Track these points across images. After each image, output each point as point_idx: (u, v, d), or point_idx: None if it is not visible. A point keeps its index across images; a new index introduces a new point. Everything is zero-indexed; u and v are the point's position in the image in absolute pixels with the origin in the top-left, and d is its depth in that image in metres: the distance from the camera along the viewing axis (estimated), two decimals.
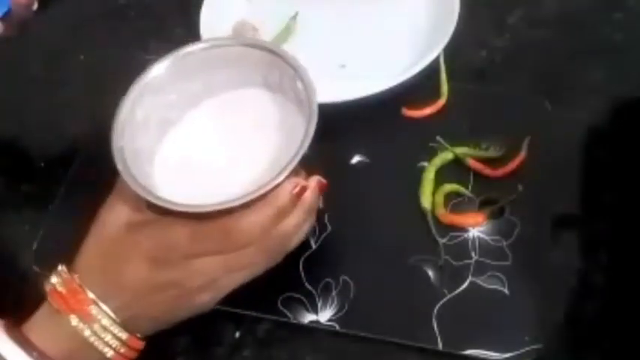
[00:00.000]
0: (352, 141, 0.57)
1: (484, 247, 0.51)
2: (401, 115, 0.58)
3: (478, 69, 0.62)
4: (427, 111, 0.58)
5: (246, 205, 0.41)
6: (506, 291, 0.49)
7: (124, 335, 0.42)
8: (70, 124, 0.64)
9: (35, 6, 0.52)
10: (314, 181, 0.44)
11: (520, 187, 0.51)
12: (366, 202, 0.54)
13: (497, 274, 0.49)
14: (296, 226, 0.44)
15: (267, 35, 0.66)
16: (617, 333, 0.47)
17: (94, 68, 0.68)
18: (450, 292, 0.49)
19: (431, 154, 0.55)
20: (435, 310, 0.48)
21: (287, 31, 0.66)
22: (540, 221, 0.51)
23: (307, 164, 0.44)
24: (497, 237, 0.51)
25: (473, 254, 0.50)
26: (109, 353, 0.41)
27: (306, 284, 0.51)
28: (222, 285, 0.43)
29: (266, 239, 0.42)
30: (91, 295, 0.41)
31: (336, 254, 0.52)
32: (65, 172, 0.60)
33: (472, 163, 0.54)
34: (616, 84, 0.59)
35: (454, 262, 0.50)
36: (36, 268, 0.54)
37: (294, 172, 0.43)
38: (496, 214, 0.52)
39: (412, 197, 0.53)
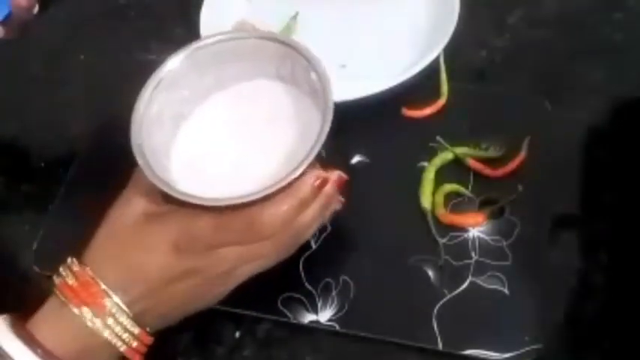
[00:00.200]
0: (352, 141, 0.57)
1: (484, 247, 0.51)
2: (401, 115, 0.58)
3: (478, 69, 0.62)
4: (427, 111, 0.58)
5: (266, 198, 0.42)
6: (506, 291, 0.49)
7: (136, 329, 0.41)
8: (70, 124, 0.64)
9: (36, 9, 0.52)
10: (335, 175, 0.45)
11: (520, 187, 0.51)
12: (366, 202, 0.54)
13: (497, 274, 0.49)
14: (313, 219, 0.44)
15: None
16: (617, 333, 0.47)
17: (94, 68, 0.68)
18: (450, 292, 0.49)
19: (431, 154, 0.55)
20: (435, 310, 0.48)
21: (287, 31, 0.66)
22: (540, 221, 0.51)
23: (322, 160, 0.44)
24: (497, 237, 0.51)
25: (473, 254, 0.50)
26: (122, 347, 0.41)
27: (306, 284, 0.51)
28: (235, 276, 0.44)
29: (286, 231, 0.43)
30: (104, 287, 0.41)
31: (336, 254, 0.52)
32: (65, 172, 0.60)
33: (472, 163, 0.54)
34: (616, 84, 0.59)
35: (454, 262, 0.50)
36: (36, 268, 0.54)
37: (312, 166, 0.43)
38: (496, 214, 0.52)
39: (412, 197, 0.53)
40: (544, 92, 0.58)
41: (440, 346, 0.47)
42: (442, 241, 0.51)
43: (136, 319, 0.42)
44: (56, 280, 0.42)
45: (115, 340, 0.41)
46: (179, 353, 0.50)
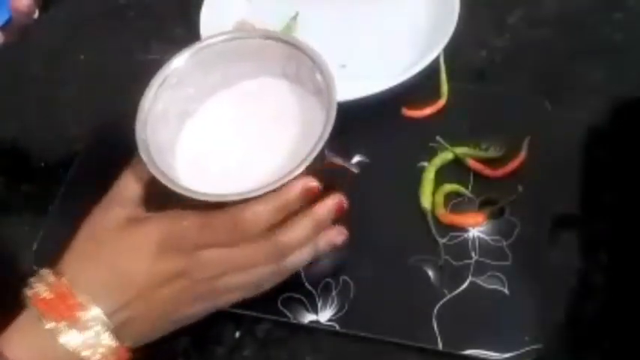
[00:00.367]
0: (352, 141, 0.57)
1: (484, 247, 0.51)
2: (401, 115, 0.58)
3: (478, 69, 0.62)
4: (427, 111, 0.58)
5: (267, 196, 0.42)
6: (506, 291, 0.49)
7: (114, 343, 0.40)
8: (70, 124, 0.64)
9: (36, 14, 0.52)
10: (332, 199, 0.44)
11: (520, 188, 0.51)
12: (366, 202, 0.54)
13: (497, 274, 0.49)
14: (299, 239, 0.43)
15: None
16: (617, 333, 0.47)
17: (94, 68, 0.68)
18: (450, 292, 0.49)
19: (431, 154, 0.55)
20: (435, 310, 0.48)
21: (287, 31, 0.66)
22: (540, 221, 0.51)
23: (325, 159, 0.45)
24: (497, 237, 0.51)
25: (473, 254, 0.50)
26: None
27: (306, 284, 0.51)
28: (219, 288, 0.43)
29: (269, 241, 0.42)
30: (82, 299, 0.39)
31: (336, 254, 0.52)
32: (65, 172, 0.60)
33: (472, 163, 0.54)
34: (616, 84, 0.59)
35: (454, 262, 0.50)
36: (36, 268, 0.53)
37: (313, 165, 0.43)
38: (496, 214, 0.52)
39: (412, 197, 0.53)
40: (544, 92, 0.58)
41: (440, 346, 0.47)
42: (442, 241, 0.51)
43: (118, 332, 0.40)
44: (28, 292, 0.41)
45: (91, 356, 0.39)
46: (179, 353, 0.50)
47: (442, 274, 0.50)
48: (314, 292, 0.50)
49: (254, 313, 0.50)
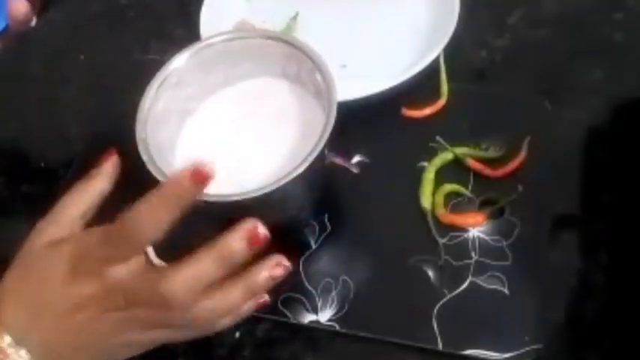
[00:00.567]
0: (352, 141, 0.57)
1: (484, 247, 0.51)
2: (401, 115, 0.58)
3: (478, 69, 0.62)
4: (427, 111, 0.58)
5: (267, 197, 0.41)
6: (506, 291, 0.49)
7: None
8: (70, 124, 0.64)
9: (34, 22, 0.52)
10: (271, 263, 0.40)
11: (520, 187, 0.51)
12: (366, 202, 0.54)
13: (497, 274, 0.49)
14: (223, 308, 0.40)
15: None
16: (617, 333, 0.47)
17: (94, 68, 0.69)
18: (450, 292, 0.49)
19: (431, 154, 0.55)
20: (435, 310, 0.48)
21: (287, 31, 0.66)
22: (540, 221, 0.51)
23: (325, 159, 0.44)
24: (497, 237, 0.51)
25: (473, 254, 0.50)
26: None
27: (306, 284, 0.51)
28: (130, 321, 0.40)
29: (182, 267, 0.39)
30: (7, 341, 0.38)
31: (336, 254, 0.52)
32: (65, 172, 0.60)
33: (472, 163, 0.54)
34: (616, 84, 0.59)
35: (454, 262, 0.50)
36: None
37: (314, 165, 0.43)
38: (496, 214, 0.52)
39: (412, 197, 0.53)
40: (544, 92, 0.58)
41: (440, 346, 0.47)
42: (442, 241, 0.51)
43: None
44: None
45: None
46: (179, 353, 0.50)
47: (442, 274, 0.50)
48: (314, 292, 0.50)
49: (254, 313, 0.50)
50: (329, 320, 0.49)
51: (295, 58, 0.48)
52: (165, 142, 0.48)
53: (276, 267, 0.40)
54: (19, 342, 0.39)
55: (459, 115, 0.58)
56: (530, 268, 0.49)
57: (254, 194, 0.41)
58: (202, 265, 0.39)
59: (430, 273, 0.50)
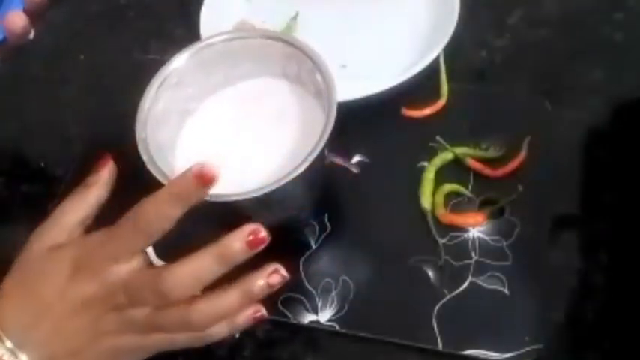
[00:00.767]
0: (352, 141, 0.57)
1: (484, 247, 0.51)
2: (401, 115, 0.58)
3: (478, 69, 0.62)
4: (427, 111, 0.58)
5: (266, 197, 0.41)
6: (506, 291, 0.49)
7: None
8: (70, 124, 0.64)
9: (32, 35, 0.51)
10: (269, 269, 0.40)
11: (520, 187, 0.51)
12: (366, 202, 0.54)
13: (497, 274, 0.49)
14: (219, 312, 0.40)
15: None
16: (617, 333, 0.47)
17: (94, 68, 0.69)
18: (450, 292, 0.49)
19: (431, 154, 0.55)
20: (435, 310, 0.48)
21: (287, 31, 0.66)
22: (540, 221, 0.51)
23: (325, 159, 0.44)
24: (497, 237, 0.51)
25: (473, 254, 0.50)
26: None
27: (306, 284, 0.51)
28: (128, 323, 0.40)
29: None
30: (8, 345, 0.39)
31: (336, 254, 0.52)
32: (65, 172, 0.60)
33: (472, 163, 0.54)
34: (616, 84, 0.59)
35: (454, 262, 0.50)
36: None
37: (314, 164, 0.43)
38: (496, 214, 0.52)
39: (412, 197, 0.53)
40: (544, 92, 0.58)
41: (440, 346, 0.47)
42: (442, 241, 0.51)
43: None
44: None
45: None
46: (179, 353, 0.50)
47: (442, 274, 0.50)
48: (314, 292, 0.50)
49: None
50: (329, 320, 0.49)
51: (295, 58, 0.48)
52: (165, 142, 0.48)
53: (273, 274, 0.40)
54: (19, 346, 0.39)
55: (459, 115, 0.58)
56: (530, 268, 0.49)
57: (254, 194, 0.41)
58: (202, 263, 0.39)
59: (430, 273, 0.50)
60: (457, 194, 0.54)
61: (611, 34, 0.62)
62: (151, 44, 0.69)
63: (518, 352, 0.46)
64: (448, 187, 0.53)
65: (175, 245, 0.54)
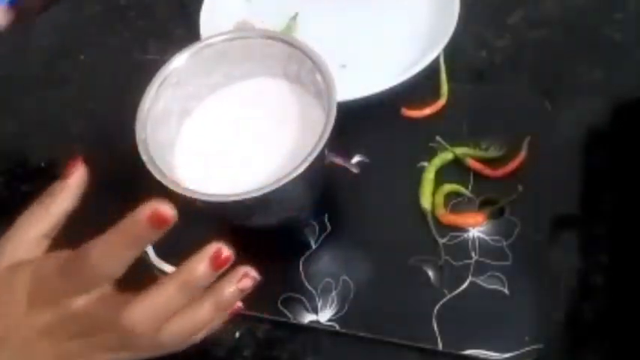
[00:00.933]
0: (352, 141, 0.57)
1: (484, 247, 0.51)
2: (401, 115, 0.58)
3: (478, 69, 0.62)
4: (427, 111, 0.58)
5: (266, 197, 0.41)
6: (506, 291, 0.49)
7: None
8: (70, 124, 0.64)
9: (3, 27, 0.49)
10: (238, 274, 0.38)
11: (520, 187, 0.51)
12: (366, 202, 0.54)
13: (497, 274, 0.49)
14: (190, 329, 0.39)
15: None
16: (617, 333, 0.47)
17: (94, 68, 0.69)
18: (450, 292, 0.49)
19: (431, 154, 0.55)
20: (435, 310, 0.48)
21: (287, 32, 0.66)
22: (540, 221, 0.51)
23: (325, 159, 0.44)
24: (497, 237, 0.51)
25: (473, 254, 0.50)
26: None
27: (306, 284, 0.51)
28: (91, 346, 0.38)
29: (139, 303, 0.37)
30: None
31: (336, 254, 0.52)
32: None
33: (472, 163, 0.54)
34: (616, 84, 0.59)
35: (454, 262, 0.50)
36: None
37: (314, 164, 0.43)
38: (496, 214, 0.52)
39: (412, 197, 0.53)
40: (544, 92, 0.58)
41: (440, 346, 0.47)
42: (442, 241, 0.51)
43: None
44: None
45: None
46: (179, 354, 0.50)
47: (442, 274, 0.50)
48: (314, 292, 0.50)
49: (254, 313, 0.50)
50: (329, 320, 0.49)
51: (295, 58, 0.48)
52: (165, 142, 0.48)
53: (243, 279, 0.38)
54: None
55: (459, 115, 0.58)
56: (530, 268, 0.49)
57: (254, 194, 0.41)
58: (166, 293, 0.37)
59: (430, 273, 0.50)
60: (457, 194, 0.54)
61: (611, 34, 0.62)
62: (151, 44, 0.69)
63: (518, 352, 0.46)
64: (448, 187, 0.53)
65: (175, 245, 0.54)
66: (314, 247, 0.52)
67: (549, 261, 0.50)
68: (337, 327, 0.49)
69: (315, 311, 0.50)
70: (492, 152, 0.55)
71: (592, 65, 0.60)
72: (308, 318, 0.49)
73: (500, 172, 0.53)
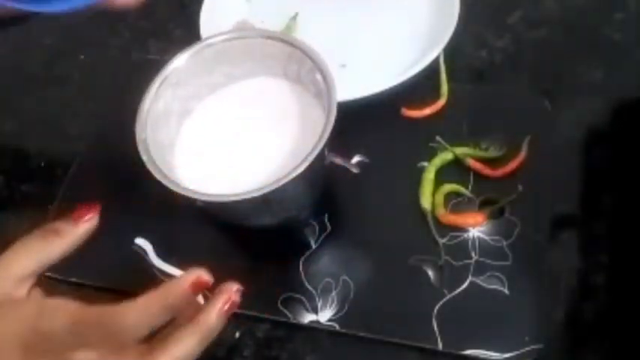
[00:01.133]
0: (352, 141, 0.57)
1: (484, 247, 0.51)
2: (401, 115, 0.58)
3: (478, 69, 0.62)
4: (427, 111, 0.58)
5: (265, 199, 0.41)
6: (506, 291, 0.49)
7: None
8: (70, 124, 0.64)
9: None
10: (220, 299, 0.38)
11: (520, 187, 0.51)
12: (366, 202, 0.54)
13: (497, 274, 0.49)
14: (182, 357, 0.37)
15: None
16: (617, 333, 0.47)
17: (94, 68, 0.68)
18: (450, 292, 0.49)
19: (431, 154, 0.55)
20: (435, 310, 0.48)
21: (287, 31, 0.66)
22: (540, 221, 0.51)
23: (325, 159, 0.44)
24: (497, 237, 0.51)
25: (473, 254, 0.50)
26: None
27: (306, 284, 0.51)
28: None
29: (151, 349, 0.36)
30: None
31: (336, 254, 0.52)
32: (65, 172, 0.60)
33: (472, 163, 0.54)
34: (616, 84, 0.59)
35: (454, 262, 0.50)
36: None
37: (314, 164, 0.43)
38: (496, 214, 0.52)
39: (412, 197, 0.53)
40: (544, 92, 0.58)
41: (440, 346, 0.47)
42: (442, 241, 0.51)
43: None
44: None
45: None
46: None
47: (442, 274, 0.50)
48: (314, 292, 0.50)
49: (254, 313, 0.50)
50: (329, 320, 0.49)
51: (295, 58, 0.48)
52: (165, 142, 0.48)
53: (227, 303, 0.38)
54: None
55: (459, 115, 0.58)
56: (530, 268, 0.49)
57: (254, 194, 0.41)
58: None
59: (430, 273, 0.50)
60: (457, 194, 0.54)
61: (611, 34, 0.62)
62: (151, 44, 0.69)
63: (518, 352, 0.46)
64: (448, 187, 0.53)
65: (175, 245, 0.54)
66: (314, 247, 0.52)
67: (549, 261, 0.50)
68: (337, 327, 0.49)
69: (315, 311, 0.50)
70: (492, 152, 0.55)
71: (592, 65, 0.60)
72: (308, 318, 0.49)
73: (500, 172, 0.53)
